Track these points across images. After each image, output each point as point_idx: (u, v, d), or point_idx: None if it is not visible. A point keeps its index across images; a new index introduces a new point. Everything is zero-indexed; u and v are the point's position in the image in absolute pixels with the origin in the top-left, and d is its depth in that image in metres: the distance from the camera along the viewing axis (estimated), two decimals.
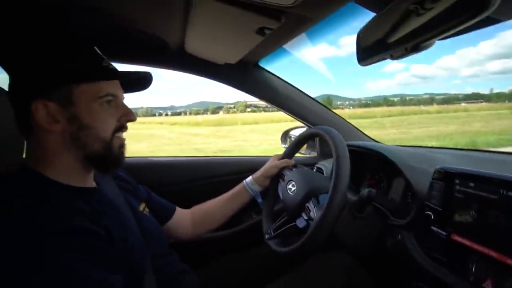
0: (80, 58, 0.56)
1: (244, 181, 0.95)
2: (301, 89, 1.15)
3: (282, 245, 0.80)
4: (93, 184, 0.62)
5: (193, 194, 1.16)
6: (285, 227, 0.83)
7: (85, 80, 0.54)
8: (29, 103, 0.51)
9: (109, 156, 0.58)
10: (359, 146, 0.96)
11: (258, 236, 0.95)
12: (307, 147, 1.48)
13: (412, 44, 0.43)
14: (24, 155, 0.59)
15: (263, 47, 0.83)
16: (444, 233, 0.64)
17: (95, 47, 0.59)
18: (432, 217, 0.67)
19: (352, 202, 0.80)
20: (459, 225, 0.63)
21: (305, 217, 0.76)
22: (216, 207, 0.93)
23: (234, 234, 1.19)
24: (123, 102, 0.61)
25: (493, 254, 0.55)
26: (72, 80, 0.53)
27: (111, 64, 0.59)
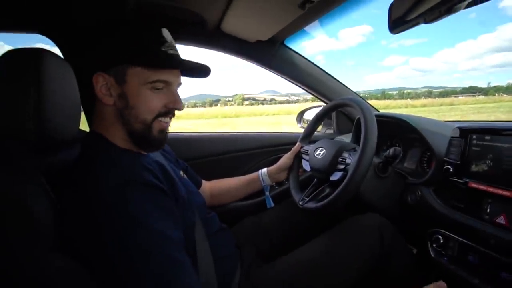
0: (138, 40, 0.58)
1: (260, 171, 1.01)
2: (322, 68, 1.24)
3: (319, 203, 0.83)
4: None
5: (219, 167, 1.26)
6: (318, 189, 0.89)
7: (136, 63, 0.57)
8: (91, 74, 0.58)
9: (148, 137, 0.61)
10: (381, 115, 1.05)
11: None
12: (323, 125, 1.57)
13: (446, 7, 0.51)
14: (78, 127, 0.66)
15: (295, 24, 0.91)
16: (463, 181, 0.74)
17: (162, 28, 0.61)
18: (451, 170, 0.77)
19: (375, 164, 0.89)
20: (475, 174, 0.73)
21: (341, 167, 0.82)
22: (232, 187, 1.01)
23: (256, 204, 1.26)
24: (174, 89, 0.63)
25: (506, 193, 0.65)
26: (125, 60, 0.57)
27: (173, 48, 0.61)
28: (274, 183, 1.03)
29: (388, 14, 0.66)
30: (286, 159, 1.01)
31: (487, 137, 0.71)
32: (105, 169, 0.53)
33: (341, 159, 0.83)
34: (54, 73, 0.57)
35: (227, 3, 0.82)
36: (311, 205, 0.86)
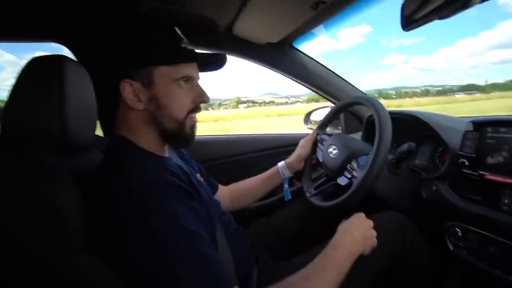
0: (159, 41, 0.60)
1: (278, 164, 1.00)
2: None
3: (323, 201, 0.89)
4: (167, 154, 0.69)
5: (228, 170, 1.27)
6: (326, 185, 0.91)
7: (163, 62, 0.58)
8: (117, 82, 0.58)
9: (181, 135, 0.63)
10: (391, 113, 1.06)
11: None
12: (330, 126, 1.58)
13: (462, 2, 0.52)
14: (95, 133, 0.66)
15: (305, 25, 0.93)
16: (478, 173, 0.74)
17: (175, 28, 0.62)
18: (466, 163, 0.77)
19: (389, 160, 0.90)
20: (491, 166, 0.74)
21: (348, 176, 0.83)
22: (252, 186, 1.01)
23: (269, 204, 1.28)
24: (197, 83, 0.65)
25: None
26: (151, 62, 0.58)
27: (189, 44, 0.62)
28: (293, 174, 1.01)
29: (401, 11, 0.67)
30: (304, 148, 1.00)
31: (503, 129, 0.72)
32: (133, 171, 0.54)
33: (349, 167, 0.83)
34: (74, 79, 0.58)
35: (240, 7, 0.84)
36: (315, 201, 0.90)
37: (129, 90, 0.59)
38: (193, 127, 0.65)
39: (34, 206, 0.46)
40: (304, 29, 1.01)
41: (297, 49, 1.20)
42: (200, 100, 0.64)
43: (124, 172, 0.54)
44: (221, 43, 1.08)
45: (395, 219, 0.82)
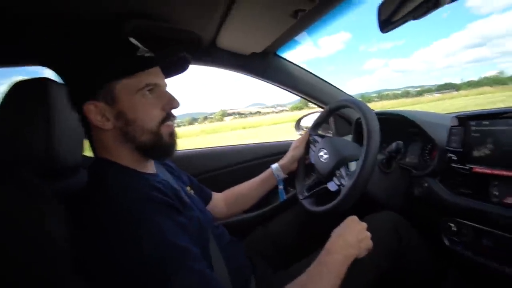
0: (113, 54, 0.58)
1: (272, 166, 1.01)
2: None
3: (315, 205, 0.90)
4: (154, 170, 0.68)
5: (224, 180, 1.26)
6: (317, 189, 0.92)
7: (121, 75, 0.56)
8: (81, 105, 0.56)
9: (159, 145, 0.60)
10: (379, 113, 1.07)
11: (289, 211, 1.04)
12: (321, 130, 1.59)
13: (433, 2, 0.54)
14: (82, 153, 0.66)
15: (287, 33, 0.95)
16: (467, 167, 0.75)
17: (129, 38, 0.59)
18: (455, 158, 0.79)
19: (379, 160, 0.90)
20: (478, 159, 0.75)
21: (337, 183, 0.84)
22: (247, 190, 1.00)
23: (264, 214, 1.27)
24: (165, 90, 0.63)
25: (510, 174, 0.66)
26: (109, 78, 0.56)
27: (147, 52, 0.59)
28: (287, 175, 1.02)
29: (377, 15, 0.69)
30: (297, 149, 1.01)
31: (485, 122, 0.74)
32: (115, 190, 0.53)
33: (338, 174, 0.84)
34: (59, 101, 0.58)
35: (221, 19, 0.85)
36: (307, 204, 0.91)
37: (94, 111, 0.56)
38: (172, 135, 0.63)
39: (24, 229, 0.45)
40: (287, 37, 1.03)
41: (281, 57, 1.22)
42: (169, 106, 0.61)
43: (107, 192, 0.53)
44: (206, 56, 1.09)
45: (389, 218, 0.82)
